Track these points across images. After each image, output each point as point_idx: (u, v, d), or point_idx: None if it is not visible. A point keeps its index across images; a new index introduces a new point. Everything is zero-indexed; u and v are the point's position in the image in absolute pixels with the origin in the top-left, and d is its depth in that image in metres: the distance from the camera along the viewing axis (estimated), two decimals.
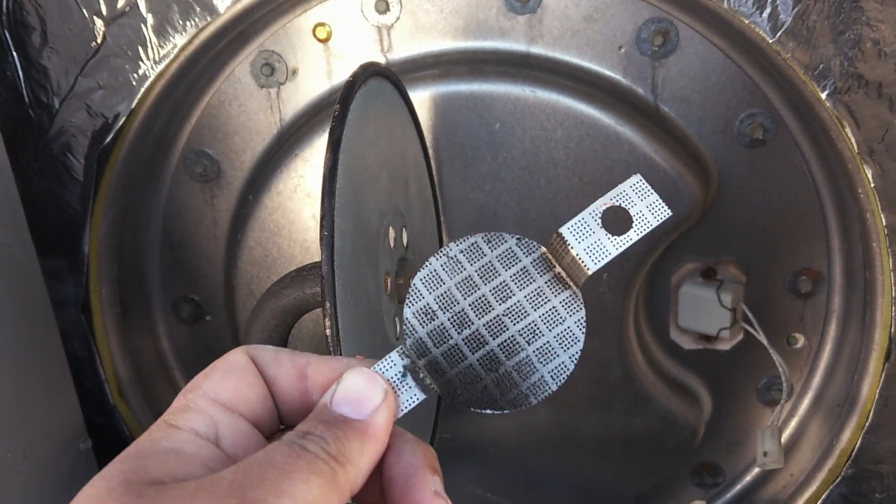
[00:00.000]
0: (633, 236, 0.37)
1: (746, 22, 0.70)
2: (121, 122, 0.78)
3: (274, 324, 0.65)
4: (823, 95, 0.70)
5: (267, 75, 0.81)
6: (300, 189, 0.80)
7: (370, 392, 0.35)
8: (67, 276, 0.83)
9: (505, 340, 0.37)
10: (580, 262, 0.37)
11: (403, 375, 0.36)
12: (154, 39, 0.75)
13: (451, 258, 0.38)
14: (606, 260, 0.37)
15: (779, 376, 0.85)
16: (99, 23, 0.75)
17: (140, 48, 0.75)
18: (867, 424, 0.79)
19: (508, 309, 0.38)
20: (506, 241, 0.38)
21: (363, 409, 0.34)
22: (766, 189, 0.80)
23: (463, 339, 0.37)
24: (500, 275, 0.38)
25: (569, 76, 0.78)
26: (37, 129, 0.78)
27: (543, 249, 0.38)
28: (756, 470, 0.92)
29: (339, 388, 0.35)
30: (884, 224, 0.73)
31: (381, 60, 0.80)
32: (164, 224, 0.88)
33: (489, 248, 0.38)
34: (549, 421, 0.90)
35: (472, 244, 0.38)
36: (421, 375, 0.36)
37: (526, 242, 0.38)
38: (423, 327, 0.38)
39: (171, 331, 0.93)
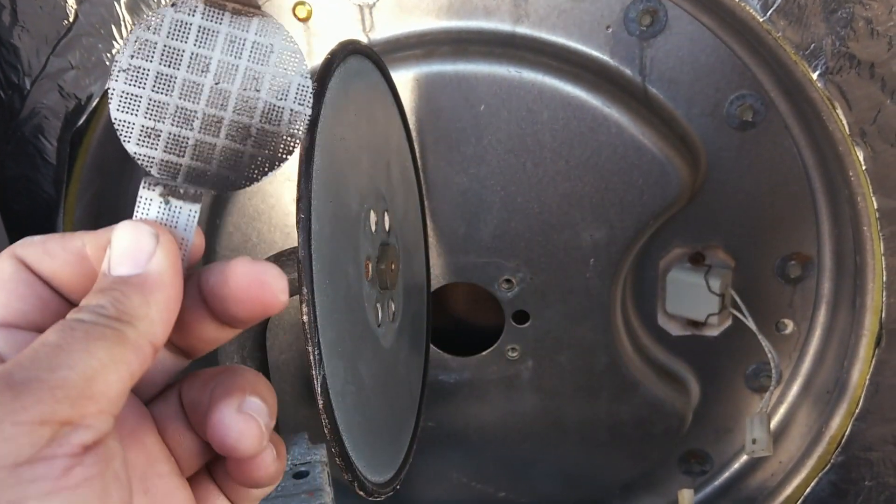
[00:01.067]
0: None
1: (737, 0, 0.68)
2: (94, 104, 0.75)
3: None
4: (815, 76, 0.68)
5: None
6: (280, 173, 0.78)
7: (140, 241, 0.33)
8: None
9: (236, 104, 0.35)
10: None
11: (166, 203, 0.35)
12: (128, 18, 0.73)
13: (127, 69, 0.35)
14: None
15: (767, 363, 0.84)
16: (71, 0, 0.73)
17: (113, 27, 0.73)
18: (857, 411, 0.79)
19: (217, 75, 0.35)
20: (164, 17, 0.35)
21: (139, 260, 0.33)
22: (756, 172, 0.79)
23: (199, 131, 0.35)
24: (183, 51, 0.35)
25: (555, 56, 0.76)
26: (7, 110, 0.76)
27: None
28: (744, 457, 0.91)
29: (111, 251, 0.33)
30: (875, 207, 0.71)
31: (363, 40, 0.78)
32: None
33: (154, 34, 0.35)
34: (535, 408, 0.89)
35: (137, 41, 0.35)
36: (181, 190, 0.35)
37: (183, 4, 0.35)
38: (155, 148, 0.35)
39: None
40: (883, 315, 0.75)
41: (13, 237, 0.78)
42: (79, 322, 0.30)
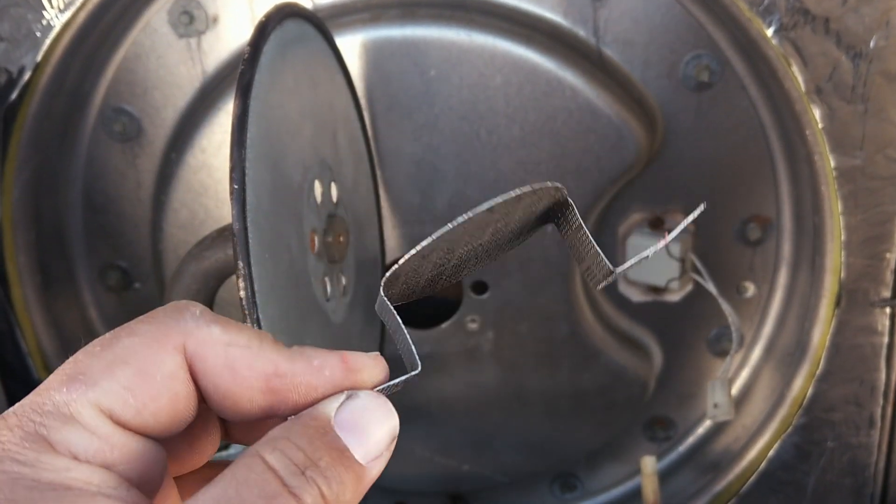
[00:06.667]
0: None
1: None
2: (27, 77, 0.72)
3: (196, 289, 0.61)
4: (769, 32, 0.67)
5: (186, 24, 0.76)
6: (226, 145, 0.76)
7: (382, 430, 0.28)
8: None
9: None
10: None
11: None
12: None
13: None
14: None
15: (729, 327, 0.83)
16: None
17: None
18: (818, 372, 0.78)
19: None
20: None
21: (368, 446, 0.28)
22: (713, 134, 0.78)
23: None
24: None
25: (506, 18, 0.74)
26: None
27: None
28: (708, 422, 0.91)
29: (349, 406, 0.28)
30: (832, 166, 0.70)
31: (308, 5, 0.75)
32: (84, 187, 0.83)
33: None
34: (497, 380, 0.87)
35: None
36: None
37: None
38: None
39: (98, 300, 0.88)
40: (842, 275, 0.74)
41: None
42: (302, 493, 0.26)
